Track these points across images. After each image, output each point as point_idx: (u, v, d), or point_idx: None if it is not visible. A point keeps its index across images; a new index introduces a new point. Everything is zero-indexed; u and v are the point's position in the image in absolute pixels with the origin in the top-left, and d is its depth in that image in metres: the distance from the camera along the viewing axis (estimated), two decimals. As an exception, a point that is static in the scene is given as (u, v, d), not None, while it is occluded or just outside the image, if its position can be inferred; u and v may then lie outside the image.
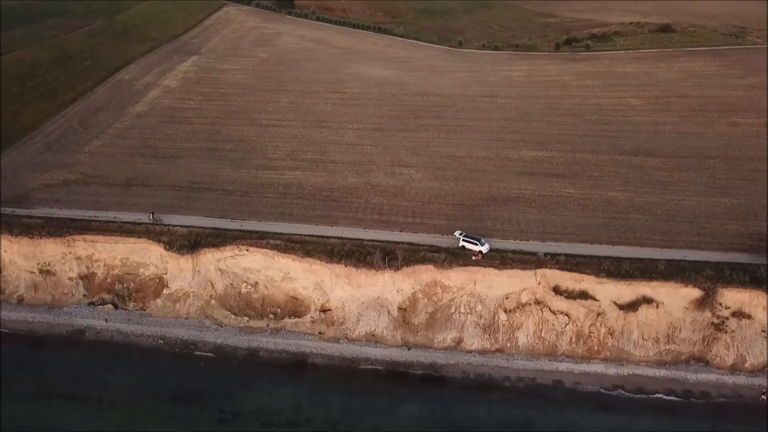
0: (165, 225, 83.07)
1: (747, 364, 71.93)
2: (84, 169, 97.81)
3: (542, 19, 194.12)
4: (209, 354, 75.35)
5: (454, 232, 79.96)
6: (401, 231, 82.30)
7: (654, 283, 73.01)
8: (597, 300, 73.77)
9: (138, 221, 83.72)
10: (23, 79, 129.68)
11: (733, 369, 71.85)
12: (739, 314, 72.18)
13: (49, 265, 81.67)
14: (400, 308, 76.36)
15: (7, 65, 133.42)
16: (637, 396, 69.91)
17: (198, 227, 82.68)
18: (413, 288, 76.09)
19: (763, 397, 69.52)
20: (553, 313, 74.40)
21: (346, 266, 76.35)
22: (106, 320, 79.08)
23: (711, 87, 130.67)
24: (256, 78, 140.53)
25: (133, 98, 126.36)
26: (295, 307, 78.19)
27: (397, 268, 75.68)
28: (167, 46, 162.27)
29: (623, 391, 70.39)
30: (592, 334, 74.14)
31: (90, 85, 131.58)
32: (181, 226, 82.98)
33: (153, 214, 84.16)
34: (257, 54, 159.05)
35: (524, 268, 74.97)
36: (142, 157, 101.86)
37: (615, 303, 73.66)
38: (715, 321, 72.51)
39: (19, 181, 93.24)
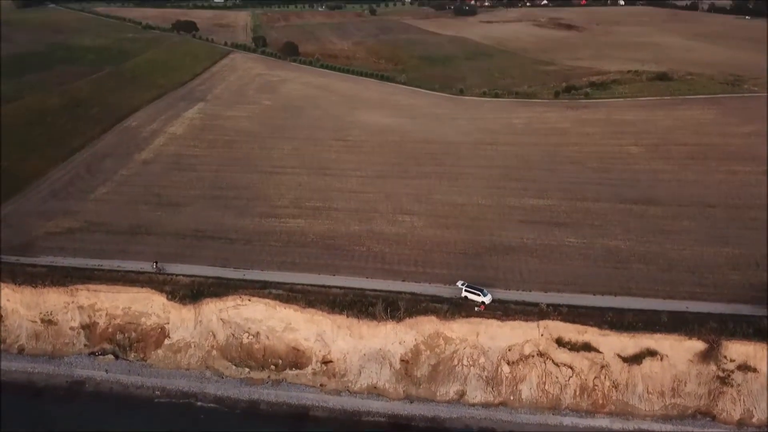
0: (168, 274, 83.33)
1: (754, 419, 70.66)
2: (89, 216, 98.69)
3: (541, 67, 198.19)
4: (210, 405, 74.40)
5: (457, 282, 79.95)
6: (403, 280, 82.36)
7: (657, 336, 72.40)
8: (600, 352, 73.09)
9: (141, 270, 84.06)
10: (32, 125, 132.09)
11: (740, 424, 70.52)
12: (744, 367, 71.28)
13: (51, 314, 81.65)
14: (402, 360, 75.77)
15: (16, 112, 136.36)
16: (643, 452, 68.81)
17: (201, 276, 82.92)
18: (415, 340, 75.66)
19: (772, 453, 68.39)
20: (557, 365, 73.70)
21: (348, 317, 76.19)
22: (106, 371, 78.49)
23: (709, 135, 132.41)
24: (261, 125, 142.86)
25: (140, 145, 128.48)
26: (296, 359, 77.65)
27: (400, 319, 75.44)
28: (174, 93, 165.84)
29: (629, 447, 69.30)
30: (596, 387, 73.28)
31: (97, 131, 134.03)
32: (184, 275, 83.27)
33: (156, 263, 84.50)
34: (262, 101, 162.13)
35: (527, 320, 74.65)
36: (147, 204, 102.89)
37: (619, 355, 72.97)
38: (721, 374, 71.65)
39: (24, 229, 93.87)
